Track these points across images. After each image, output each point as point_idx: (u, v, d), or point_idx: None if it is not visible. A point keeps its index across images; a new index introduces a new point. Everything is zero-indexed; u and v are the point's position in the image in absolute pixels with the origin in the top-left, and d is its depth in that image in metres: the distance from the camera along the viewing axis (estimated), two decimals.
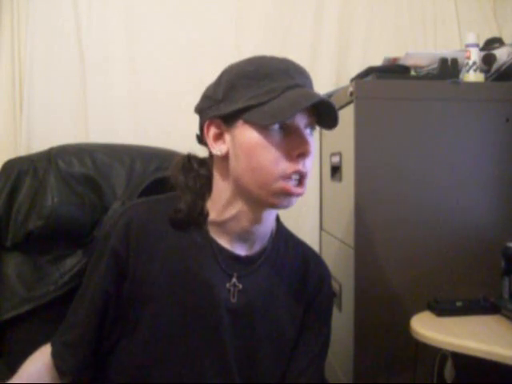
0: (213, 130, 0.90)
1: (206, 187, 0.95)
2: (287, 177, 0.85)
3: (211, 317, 0.91)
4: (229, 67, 0.91)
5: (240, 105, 0.85)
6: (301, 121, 0.86)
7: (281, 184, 0.85)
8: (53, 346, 0.94)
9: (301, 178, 0.86)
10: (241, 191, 0.89)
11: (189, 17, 1.80)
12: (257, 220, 0.92)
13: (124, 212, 0.94)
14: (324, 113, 0.87)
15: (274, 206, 0.90)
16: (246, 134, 0.85)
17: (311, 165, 0.88)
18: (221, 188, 0.92)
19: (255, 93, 0.84)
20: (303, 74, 0.89)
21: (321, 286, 1.03)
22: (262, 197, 0.86)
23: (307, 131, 0.87)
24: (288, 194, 0.86)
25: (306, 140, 0.85)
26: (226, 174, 0.91)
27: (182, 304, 0.90)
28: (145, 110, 1.76)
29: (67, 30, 1.71)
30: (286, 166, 0.84)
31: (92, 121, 1.71)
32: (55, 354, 0.92)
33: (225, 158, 0.89)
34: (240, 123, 0.86)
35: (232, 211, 0.91)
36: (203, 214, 0.93)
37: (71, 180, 1.19)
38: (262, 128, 0.84)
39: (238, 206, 0.91)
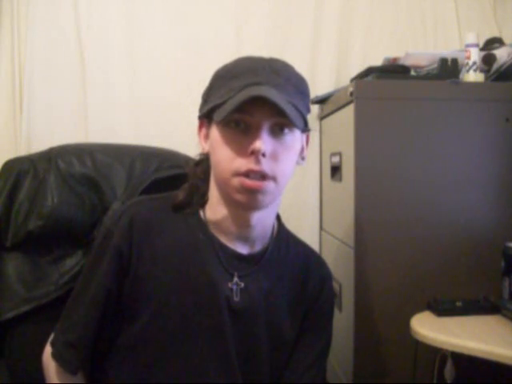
0: (203, 130, 0.94)
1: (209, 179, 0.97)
2: (243, 174, 0.85)
3: (214, 315, 0.91)
4: (216, 69, 0.93)
5: (210, 105, 0.89)
6: (266, 119, 0.85)
7: (238, 179, 0.85)
8: (53, 346, 0.93)
9: (263, 177, 0.85)
10: (220, 191, 0.92)
11: (189, 17, 1.79)
12: (246, 224, 0.92)
13: (126, 209, 0.95)
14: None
15: (241, 204, 0.88)
16: (213, 133, 0.89)
17: (278, 164, 0.86)
18: (212, 184, 0.95)
19: (222, 92, 0.87)
20: (277, 72, 0.87)
21: (322, 287, 1.03)
22: (229, 194, 0.88)
23: (284, 131, 0.87)
24: (247, 190, 0.85)
25: (259, 138, 0.84)
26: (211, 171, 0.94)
27: (184, 301, 0.90)
28: (145, 109, 1.76)
29: (67, 30, 1.70)
30: (240, 164, 0.85)
31: (92, 121, 1.71)
32: (58, 356, 0.91)
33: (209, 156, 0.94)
34: (213, 122, 0.89)
35: (222, 211, 0.93)
36: (205, 197, 0.95)
37: (71, 180, 1.19)
38: (222, 126, 0.86)
39: (225, 210, 0.92)
